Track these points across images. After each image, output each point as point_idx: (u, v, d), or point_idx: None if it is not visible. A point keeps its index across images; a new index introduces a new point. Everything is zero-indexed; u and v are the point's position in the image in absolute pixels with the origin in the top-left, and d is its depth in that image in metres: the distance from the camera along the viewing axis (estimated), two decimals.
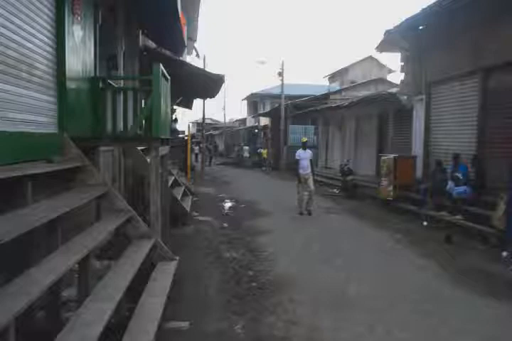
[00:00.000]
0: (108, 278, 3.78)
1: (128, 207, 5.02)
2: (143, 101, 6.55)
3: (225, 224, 9.51)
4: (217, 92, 18.18)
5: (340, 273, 6.05)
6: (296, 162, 11.10)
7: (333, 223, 9.95)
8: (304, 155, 11.04)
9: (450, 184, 9.26)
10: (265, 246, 7.53)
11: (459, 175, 9.15)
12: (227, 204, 12.73)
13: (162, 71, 5.68)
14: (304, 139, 11.76)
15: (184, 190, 11.19)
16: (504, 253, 7.00)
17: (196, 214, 10.37)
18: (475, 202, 8.83)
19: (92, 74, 5.90)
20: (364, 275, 6.00)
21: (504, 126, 8.95)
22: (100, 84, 6.02)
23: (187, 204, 10.00)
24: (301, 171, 10.92)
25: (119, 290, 3.51)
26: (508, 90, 8.91)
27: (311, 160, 11.09)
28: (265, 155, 27.26)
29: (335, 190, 15.89)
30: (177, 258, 5.30)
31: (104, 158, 6.09)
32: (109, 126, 5.98)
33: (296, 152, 11.36)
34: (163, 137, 5.94)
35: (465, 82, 10.34)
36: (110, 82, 6.61)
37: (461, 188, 8.94)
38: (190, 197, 11.62)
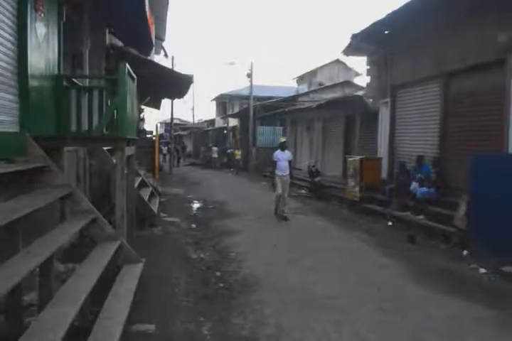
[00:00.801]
0: (71, 282, 3.70)
1: (93, 208, 4.92)
2: (109, 100, 6.44)
3: (193, 225, 9.46)
4: (186, 93, 18.08)
5: (307, 273, 6.11)
6: (274, 164, 10.64)
7: (300, 223, 10.03)
8: (283, 157, 10.59)
9: (414, 185, 9.50)
10: (233, 247, 7.53)
11: (422, 176, 9.40)
12: (196, 205, 12.66)
13: (128, 70, 5.61)
14: (282, 139, 11.50)
15: (152, 190, 11.05)
16: (465, 252, 7.24)
17: (164, 215, 10.26)
18: (438, 202, 9.08)
19: (56, 73, 5.76)
20: (331, 275, 6.07)
21: (464, 129, 9.25)
22: (64, 83, 5.89)
23: (154, 205, 9.89)
24: (279, 173, 10.47)
25: (83, 294, 3.43)
26: (467, 94, 9.22)
27: (289, 161, 10.71)
28: (238, 156, 27.17)
29: (303, 191, 16.03)
30: (143, 260, 5.23)
31: (69, 158, 5.96)
32: (73, 126, 5.85)
33: (274, 153, 10.85)
34: (129, 137, 5.86)
35: (428, 85, 10.63)
36: (75, 80, 6.47)
37: (425, 189, 9.18)
38: (158, 198, 11.49)
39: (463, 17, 9.02)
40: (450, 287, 5.63)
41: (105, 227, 4.98)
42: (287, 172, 10.52)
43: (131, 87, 5.96)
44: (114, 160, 5.86)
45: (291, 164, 10.87)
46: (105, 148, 6.86)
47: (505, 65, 8.01)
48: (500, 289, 5.65)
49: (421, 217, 9.05)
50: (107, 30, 10.22)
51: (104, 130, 6.03)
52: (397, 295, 5.34)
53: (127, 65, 5.51)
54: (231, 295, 5.19)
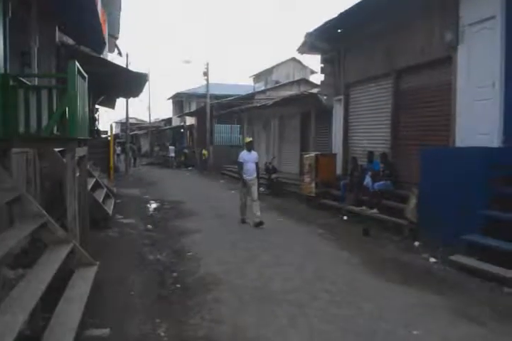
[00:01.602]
0: (21, 287, 3.58)
1: (43, 211, 4.77)
2: (59, 100, 6.25)
3: (150, 226, 9.35)
4: (141, 91, 17.83)
5: (265, 269, 6.17)
6: (239, 165, 9.78)
7: None
8: (249, 158, 9.69)
9: (367, 179, 9.76)
10: (191, 247, 7.50)
11: (377, 171, 9.67)
12: (153, 206, 12.50)
13: (78, 68, 5.46)
14: (248, 139, 10.47)
15: (106, 192, 10.83)
16: (416, 243, 7.53)
17: (120, 216, 10.08)
18: (390, 196, 9.37)
19: (2, 71, 5.54)
20: (288, 270, 6.16)
21: (415, 124, 9.59)
22: (11, 82, 5.67)
23: (109, 206, 9.70)
24: (246, 176, 9.55)
25: (33, 300, 3.34)
26: (416, 91, 9.55)
27: (256, 163, 9.79)
28: (206, 155, 26.84)
29: (261, 188, 16.09)
30: (97, 263, 5.12)
31: (17, 160, 5.75)
32: (21, 127, 5.65)
33: (239, 154, 10.01)
34: (80, 138, 5.71)
35: (380, 83, 10.93)
36: (23, 79, 6.24)
37: (382, 182, 9.41)
38: (113, 199, 11.27)
39: (411, 16, 9.33)
40: (403, 277, 5.84)
41: (56, 231, 4.84)
42: (254, 174, 9.64)
43: (81, 86, 5.80)
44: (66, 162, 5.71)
45: (258, 166, 9.95)
46: (57, 150, 6.66)
47: (452, 62, 8.35)
48: (449, 277, 5.90)
49: (374, 210, 9.31)
50: (57, 28, 9.91)
51: (56, 130, 5.85)
52: (352, 287, 5.48)
53: (77, 63, 5.37)
54: (188, 295, 5.17)
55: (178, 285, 5.50)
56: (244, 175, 9.60)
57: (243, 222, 9.61)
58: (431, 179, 7.61)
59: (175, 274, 5.97)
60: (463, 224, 6.63)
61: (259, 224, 9.11)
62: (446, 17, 8.37)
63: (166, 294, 5.20)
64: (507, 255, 5.74)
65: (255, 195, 9.45)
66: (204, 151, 27.22)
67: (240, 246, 7.57)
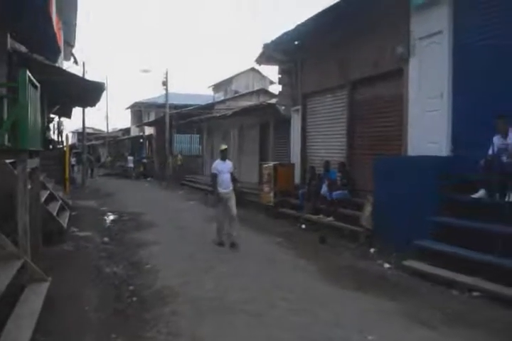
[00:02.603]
0: None
1: None
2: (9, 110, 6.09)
3: (107, 239, 9.13)
4: (98, 101, 17.50)
5: (223, 280, 6.16)
6: (213, 177, 8.51)
7: None
8: (224, 168, 8.46)
9: (324, 188, 9.95)
10: (148, 259, 7.38)
11: (334, 180, 9.87)
12: (110, 218, 12.23)
13: (29, 77, 5.35)
14: (223, 147, 9.08)
15: (61, 204, 10.52)
16: (372, 250, 7.73)
17: (75, 229, 9.79)
18: (347, 204, 9.58)
19: None
20: (245, 280, 6.17)
21: (369, 134, 9.89)
22: None
23: (64, 219, 9.41)
24: (221, 189, 8.32)
25: None
26: (370, 102, 9.87)
27: (232, 173, 8.64)
28: (180, 162, 26.08)
29: None
30: (49, 278, 4.98)
31: None
32: None
33: (213, 164, 8.82)
34: (32, 148, 5.57)
35: (336, 94, 11.23)
36: None
37: (339, 192, 9.60)
38: (68, 211, 10.96)
39: (365, 30, 9.67)
40: (358, 283, 5.97)
41: (6, 245, 4.68)
42: (231, 187, 8.43)
43: (33, 95, 5.68)
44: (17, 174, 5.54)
45: (235, 176, 8.85)
46: (8, 161, 6.44)
47: (403, 74, 8.69)
48: (402, 282, 6.09)
49: (330, 218, 9.50)
50: (9, 34, 9.63)
51: (6, 141, 5.68)
52: (309, 294, 5.56)
53: (28, 72, 5.25)
54: (145, 308, 5.09)
55: (135, 299, 5.39)
56: (219, 188, 8.34)
57: (220, 244, 8.33)
58: (384, 187, 7.85)
59: (132, 287, 5.85)
60: (415, 231, 6.87)
61: (234, 245, 8.11)
62: (398, 31, 8.71)
63: (122, 308, 5.09)
64: (456, 259, 5.99)
65: (234, 210, 8.33)
66: (179, 157, 26.56)
67: (199, 258, 7.52)
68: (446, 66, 7.69)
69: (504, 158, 6.21)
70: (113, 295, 5.57)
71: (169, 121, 26.63)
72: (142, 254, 7.77)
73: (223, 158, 8.65)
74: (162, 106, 28.27)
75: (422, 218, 6.79)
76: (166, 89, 27.36)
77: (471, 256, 5.87)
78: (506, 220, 5.71)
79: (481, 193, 6.38)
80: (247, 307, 5.07)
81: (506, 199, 5.88)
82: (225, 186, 8.38)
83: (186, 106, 28.93)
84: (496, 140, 6.40)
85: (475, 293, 5.37)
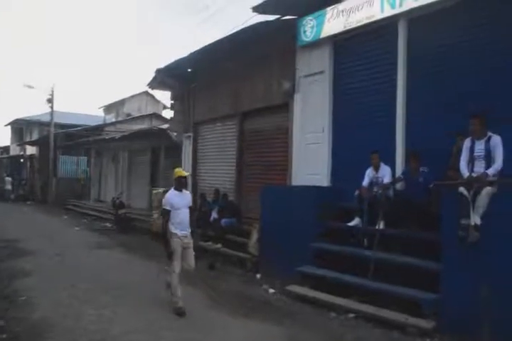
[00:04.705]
0: None
1: None
2: None
3: None
4: None
5: (105, 311, 5.87)
6: (165, 215, 6.19)
7: (103, 259, 9.65)
8: (181, 201, 6.21)
9: (213, 215, 10.09)
10: (25, 290, 6.80)
11: (222, 207, 10.05)
12: None
13: None
14: (183, 173, 6.51)
15: None
16: (258, 276, 7.97)
17: None
18: (236, 231, 9.79)
19: None
20: (129, 310, 5.97)
21: (258, 164, 10.32)
22: None
23: None
24: (177, 231, 6.10)
25: None
26: (259, 133, 10.37)
27: (190, 207, 6.49)
28: (82, 182, 24.21)
29: (107, 224, 15.47)
30: None
31: None
32: None
33: (166, 195, 6.37)
34: None
35: (226, 123, 11.59)
36: None
37: (227, 220, 9.79)
38: None
39: (255, 63, 10.22)
40: (245, 309, 6.10)
41: None
42: (188, 229, 6.27)
43: None
44: None
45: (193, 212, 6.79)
46: None
47: (289, 108, 9.27)
48: (285, 307, 6.33)
49: (218, 245, 9.63)
50: None
51: None
52: (196, 322, 5.54)
53: None
54: None
55: (5, 336, 4.95)
56: (174, 230, 6.12)
57: (180, 313, 5.80)
58: (270, 215, 8.19)
59: (2, 322, 5.36)
60: (298, 257, 7.24)
61: (179, 314, 5.81)
62: (285, 67, 9.32)
63: None
64: (335, 283, 6.43)
65: (192, 261, 6.31)
66: (81, 176, 24.87)
67: (81, 288, 7.10)
68: (327, 103, 8.39)
69: (375, 190, 6.87)
70: None
71: (54, 140, 25.14)
72: (18, 285, 7.14)
73: (179, 188, 6.32)
74: (46, 124, 26.63)
75: (304, 245, 7.20)
76: (52, 107, 25.90)
77: (346, 280, 6.36)
78: (377, 246, 6.28)
79: (355, 221, 6.96)
80: (130, 338, 4.92)
81: (377, 227, 6.48)
82: (184, 226, 6.19)
83: (74, 126, 27.61)
84: (369, 172, 7.08)
85: (351, 315, 5.78)
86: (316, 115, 8.56)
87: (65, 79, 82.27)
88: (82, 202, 21.98)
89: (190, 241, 6.26)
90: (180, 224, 6.12)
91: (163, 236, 6.30)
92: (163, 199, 6.33)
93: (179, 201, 6.17)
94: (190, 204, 6.48)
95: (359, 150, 7.48)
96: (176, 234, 6.07)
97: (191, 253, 6.26)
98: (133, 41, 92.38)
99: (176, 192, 6.27)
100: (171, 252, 6.05)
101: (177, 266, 6.04)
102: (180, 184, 6.32)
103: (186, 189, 6.56)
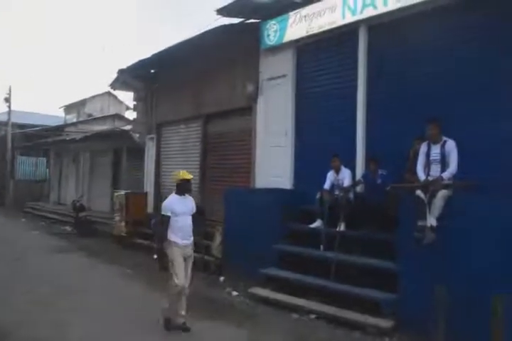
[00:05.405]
0: None
1: None
2: None
3: None
4: None
5: (65, 316, 5.79)
6: (162, 223, 5.51)
7: (64, 263, 9.43)
8: (184, 207, 5.55)
9: None
10: None
11: None
12: None
13: None
14: (187, 175, 5.69)
15: None
16: (221, 278, 7.96)
17: None
18: (199, 233, 9.74)
19: None
20: (90, 315, 5.89)
21: (222, 166, 10.32)
22: None
23: None
24: (178, 240, 5.43)
25: None
26: (223, 135, 10.38)
27: (193, 215, 5.71)
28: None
29: (67, 228, 15.09)
30: None
31: None
32: None
33: (166, 200, 5.66)
34: None
35: (190, 125, 11.55)
36: None
37: None
38: None
39: (219, 66, 10.22)
40: (208, 312, 6.07)
41: None
42: (191, 238, 5.64)
43: None
44: None
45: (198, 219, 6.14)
46: None
47: (252, 111, 9.31)
48: (248, 309, 6.36)
49: None
50: None
51: None
52: (160, 325, 5.46)
53: None
54: None
55: None
56: (174, 238, 5.43)
57: (168, 327, 5.45)
58: (234, 217, 8.21)
59: None
60: (261, 259, 7.27)
61: (184, 330, 5.41)
62: (248, 70, 9.38)
63: None
64: (298, 285, 6.50)
65: (189, 274, 5.67)
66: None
67: (39, 292, 6.93)
68: (290, 107, 8.50)
69: (336, 192, 7.00)
70: None
71: (12, 141, 24.34)
72: None
73: (182, 192, 5.66)
74: (4, 124, 25.74)
75: (267, 247, 7.25)
76: (9, 107, 25.09)
77: (309, 281, 6.45)
78: (338, 248, 6.40)
79: (317, 223, 7.06)
80: None
81: (337, 229, 6.60)
82: (186, 235, 5.52)
83: (33, 126, 26.78)
84: (330, 175, 7.21)
85: (313, 316, 5.86)
86: (279, 118, 8.65)
87: (25, 78, 79.53)
88: (41, 205, 21.37)
89: (191, 251, 5.65)
90: (182, 232, 5.44)
91: (158, 247, 5.73)
92: (163, 205, 5.62)
93: (182, 207, 5.52)
94: (194, 210, 5.73)
95: (321, 153, 7.61)
96: (176, 243, 5.41)
97: (190, 266, 5.63)
98: (96, 39, 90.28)
99: (178, 196, 5.62)
100: (166, 267, 5.47)
101: (181, 278, 5.37)
102: (183, 188, 5.65)
103: (190, 194, 5.85)
